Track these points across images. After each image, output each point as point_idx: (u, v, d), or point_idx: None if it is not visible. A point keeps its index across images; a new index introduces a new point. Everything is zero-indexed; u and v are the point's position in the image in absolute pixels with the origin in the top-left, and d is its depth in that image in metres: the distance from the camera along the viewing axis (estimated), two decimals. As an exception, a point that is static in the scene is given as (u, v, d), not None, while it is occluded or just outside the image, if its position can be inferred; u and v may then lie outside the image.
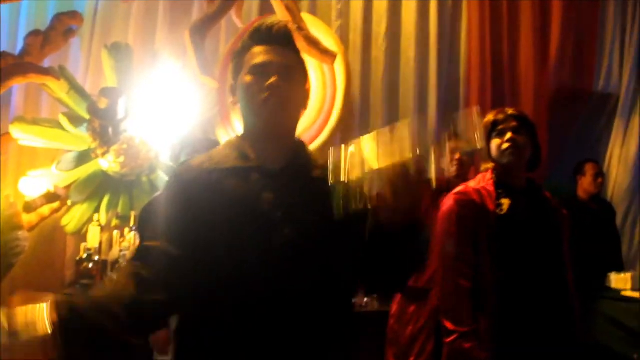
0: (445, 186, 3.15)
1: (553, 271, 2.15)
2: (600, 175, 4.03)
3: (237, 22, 3.71)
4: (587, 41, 4.44)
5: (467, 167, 3.17)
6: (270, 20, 1.47)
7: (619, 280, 3.24)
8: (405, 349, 3.03)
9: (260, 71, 1.38)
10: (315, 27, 3.75)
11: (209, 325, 1.29)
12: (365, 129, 4.07)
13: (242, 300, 1.26)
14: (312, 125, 3.83)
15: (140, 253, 1.35)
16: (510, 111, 2.22)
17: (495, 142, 2.20)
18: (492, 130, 2.21)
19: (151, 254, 1.30)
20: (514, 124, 2.18)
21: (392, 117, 4.17)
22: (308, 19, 3.79)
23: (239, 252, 1.28)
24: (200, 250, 1.29)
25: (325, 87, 3.83)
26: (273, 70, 1.38)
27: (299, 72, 1.44)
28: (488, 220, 2.14)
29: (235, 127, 3.97)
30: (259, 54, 1.40)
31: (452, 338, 2.10)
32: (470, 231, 2.16)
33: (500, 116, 2.21)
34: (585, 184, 3.97)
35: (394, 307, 3.13)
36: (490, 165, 2.27)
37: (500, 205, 2.16)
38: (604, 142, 4.50)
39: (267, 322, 1.26)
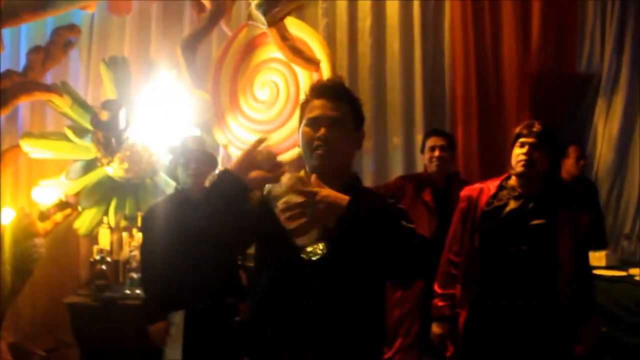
0: (429, 181, 3.39)
1: (531, 266, 2.46)
2: (583, 157, 4.17)
3: (227, 30, 3.90)
4: (569, 24, 4.50)
5: (447, 163, 3.40)
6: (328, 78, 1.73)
7: (594, 258, 3.43)
8: (393, 331, 3.29)
9: (313, 123, 1.64)
10: (301, 30, 3.92)
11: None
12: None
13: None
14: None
15: None
16: (535, 127, 2.51)
17: (514, 152, 2.54)
18: (515, 140, 2.55)
19: None
20: (533, 140, 2.49)
21: (380, 109, 4.37)
22: (294, 23, 3.97)
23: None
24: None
25: (313, 87, 4.03)
26: (323, 123, 1.63)
27: (348, 121, 1.67)
28: (475, 212, 2.57)
29: (231, 128, 4.18)
30: (314, 108, 1.66)
31: (434, 298, 2.69)
32: (463, 219, 2.64)
33: (525, 131, 2.53)
34: (568, 165, 4.11)
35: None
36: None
37: (490, 202, 2.55)
38: (588, 121, 4.64)
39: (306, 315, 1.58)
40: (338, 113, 1.65)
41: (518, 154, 2.52)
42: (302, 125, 1.69)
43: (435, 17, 4.44)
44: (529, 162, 2.48)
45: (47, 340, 4.13)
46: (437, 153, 3.36)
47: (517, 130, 2.57)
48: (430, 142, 3.42)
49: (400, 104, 4.35)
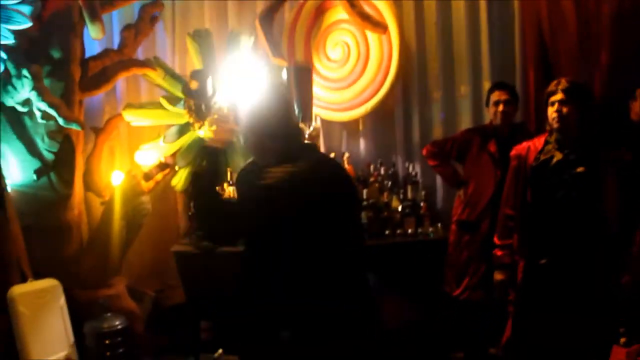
0: (493, 132, 3.60)
1: (581, 210, 2.72)
2: None
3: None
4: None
5: (511, 116, 3.58)
6: None
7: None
8: (462, 271, 3.60)
9: None
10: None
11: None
12: (423, 75, 4.48)
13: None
14: (373, 80, 4.30)
15: None
16: (561, 84, 2.76)
17: (548, 111, 2.80)
18: (546, 100, 2.81)
19: None
20: (561, 96, 2.74)
21: (447, 60, 4.49)
22: (360, -16, 4.17)
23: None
24: None
25: (382, 45, 4.26)
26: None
27: None
28: (525, 169, 2.85)
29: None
30: None
31: (494, 249, 3.01)
32: (515, 176, 2.93)
33: (552, 88, 2.79)
34: (637, 107, 4.12)
35: (451, 237, 3.68)
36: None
37: (538, 158, 2.81)
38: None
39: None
40: None
41: (550, 112, 2.77)
42: None
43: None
44: (561, 118, 2.73)
45: (155, 283, 4.63)
46: (500, 107, 3.54)
47: (547, 90, 2.81)
48: (494, 96, 3.60)
49: (467, 54, 4.45)
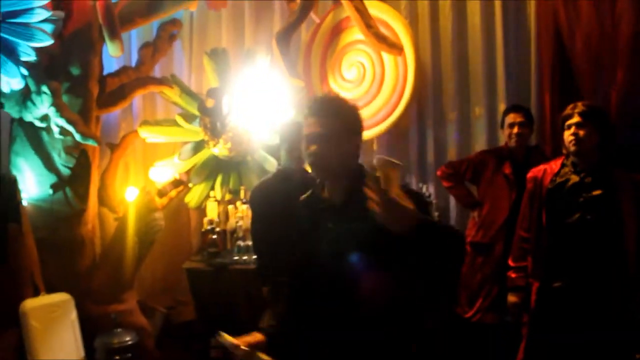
0: (508, 154, 3.59)
1: (597, 233, 2.70)
2: None
3: (315, 17, 4.19)
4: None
5: (525, 139, 3.57)
6: (318, 96, 1.99)
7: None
8: (475, 293, 3.57)
9: (306, 139, 1.87)
10: (384, 12, 4.17)
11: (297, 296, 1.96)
12: (438, 96, 4.48)
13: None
14: (388, 101, 4.32)
15: None
16: (577, 108, 2.76)
17: (564, 135, 2.79)
18: (563, 124, 2.80)
19: None
20: (577, 119, 2.73)
21: (462, 81, 4.50)
22: (377, 5, 4.20)
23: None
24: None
25: (397, 65, 4.27)
26: (313, 140, 1.84)
27: (338, 135, 1.83)
28: (541, 191, 2.84)
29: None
30: (307, 125, 1.87)
31: (509, 271, 3.00)
32: (531, 198, 2.92)
33: (569, 112, 2.78)
34: None
35: (465, 259, 3.65)
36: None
37: (554, 180, 2.80)
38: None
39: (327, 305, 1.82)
40: (325, 129, 1.82)
41: (567, 135, 2.76)
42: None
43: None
44: (578, 141, 2.71)
45: (166, 299, 4.65)
46: (515, 130, 3.54)
47: (563, 114, 2.80)
48: (509, 118, 3.59)
49: (482, 76, 4.45)
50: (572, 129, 2.73)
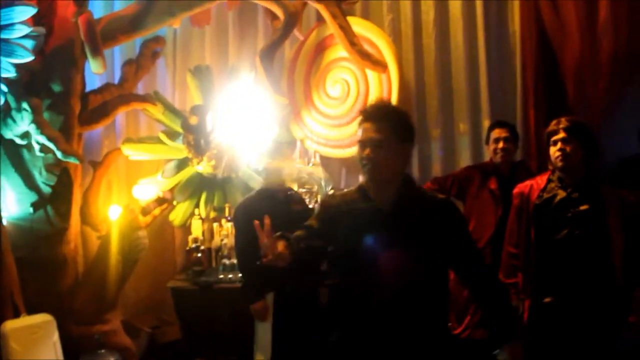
0: (494, 170, 3.60)
1: (585, 248, 2.71)
2: None
3: (298, 35, 4.20)
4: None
5: (511, 154, 3.59)
6: (373, 101, 2.10)
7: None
8: (463, 309, 3.55)
9: (360, 144, 1.99)
10: (368, 30, 4.19)
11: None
12: (422, 112, 4.50)
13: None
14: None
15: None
16: (562, 124, 2.78)
17: (550, 151, 2.81)
18: (548, 140, 2.82)
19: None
20: (563, 135, 2.75)
21: (446, 98, 4.53)
22: (360, 23, 4.23)
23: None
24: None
25: (381, 82, 4.29)
26: (368, 144, 1.96)
27: (391, 140, 1.96)
28: (528, 207, 2.85)
29: (306, 123, 4.51)
30: (362, 131, 2.00)
31: None
32: (518, 214, 2.92)
33: (553, 128, 2.80)
34: None
35: (452, 274, 3.63)
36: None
37: (541, 196, 2.82)
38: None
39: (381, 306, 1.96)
40: (380, 135, 1.94)
41: (553, 151, 2.78)
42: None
43: (499, 6, 4.48)
44: (565, 156, 2.73)
45: (150, 319, 4.58)
46: (501, 145, 3.55)
47: (547, 130, 2.83)
48: (495, 134, 3.61)
49: (465, 92, 4.49)
50: (559, 145, 2.75)
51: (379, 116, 1.97)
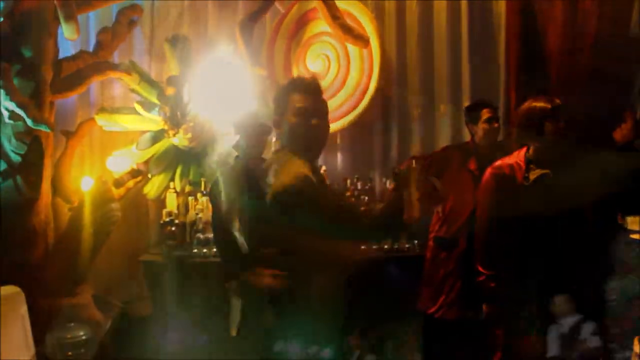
0: (473, 150, 3.58)
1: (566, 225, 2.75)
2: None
3: (279, 7, 4.11)
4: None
5: (498, 134, 3.58)
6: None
7: (634, 222, 3.55)
8: (438, 288, 3.55)
9: (305, 114, 2.03)
10: (351, 5, 4.13)
11: None
12: (403, 90, 4.47)
13: None
14: (352, 94, 4.29)
15: None
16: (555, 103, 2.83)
17: (547, 127, 2.81)
18: (528, 120, 2.87)
19: None
20: (549, 113, 2.79)
21: (427, 78, 4.50)
22: (344, -1, 4.15)
23: None
24: None
25: (362, 59, 4.24)
26: (313, 114, 2.05)
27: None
28: (515, 189, 2.84)
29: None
30: (303, 101, 2.03)
31: (481, 278, 2.98)
32: (501, 199, 2.90)
33: (546, 105, 2.83)
34: (625, 129, 4.11)
35: (428, 254, 3.64)
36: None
37: (527, 177, 2.81)
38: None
39: None
40: (324, 106, 2.17)
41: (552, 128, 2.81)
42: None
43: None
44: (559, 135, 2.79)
45: (123, 293, 4.54)
46: (495, 124, 3.53)
47: (531, 109, 2.90)
48: (485, 113, 3.52)
49: (447, 72, 4.46)
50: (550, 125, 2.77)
51: (319, 89, 2.12)
